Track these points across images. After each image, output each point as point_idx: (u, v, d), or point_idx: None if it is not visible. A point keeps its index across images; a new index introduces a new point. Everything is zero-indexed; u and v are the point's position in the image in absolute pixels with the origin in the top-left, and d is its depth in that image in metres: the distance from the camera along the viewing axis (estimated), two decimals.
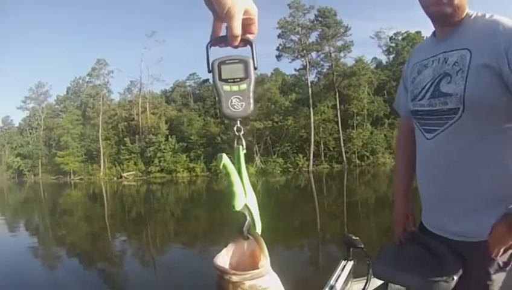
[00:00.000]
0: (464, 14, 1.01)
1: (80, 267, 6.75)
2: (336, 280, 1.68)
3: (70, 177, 34.90)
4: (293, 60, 33.12)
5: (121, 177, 31.28)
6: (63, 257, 7.61)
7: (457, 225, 1.02)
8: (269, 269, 0.41)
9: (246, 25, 0.46)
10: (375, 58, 37.84)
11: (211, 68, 0.46)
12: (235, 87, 0.45)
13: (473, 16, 1.01)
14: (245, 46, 0.47)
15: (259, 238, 0.42)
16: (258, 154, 29.75)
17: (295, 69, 33.84)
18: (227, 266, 0.41)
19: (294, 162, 29.57)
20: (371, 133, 30.86)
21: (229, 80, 0.45)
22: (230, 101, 0.45)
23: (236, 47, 0.46)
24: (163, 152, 29.90)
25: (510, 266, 0.97)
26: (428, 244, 1.10)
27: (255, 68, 0.47)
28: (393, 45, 36.04)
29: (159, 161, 30.03)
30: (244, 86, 0.46)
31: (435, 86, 1.02)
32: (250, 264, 0.41)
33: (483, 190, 0.97)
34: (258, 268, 0.40)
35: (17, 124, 49.04)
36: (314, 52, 33.27)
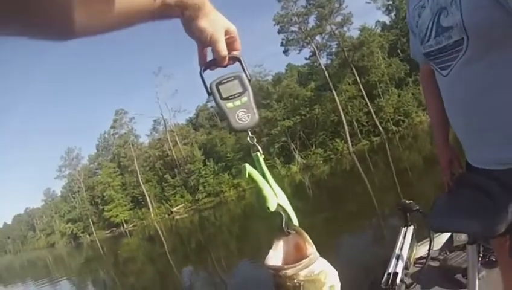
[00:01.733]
0: None
1: None
2: (401, 249, 1.65)
3: (123, 227, 35.79)
4: (300, 50, 32.81)
5: (172, 213, 31.74)
6: None
7: (501, 152, 0.99)
8: (317, 255, 0.43)
9: (229, 44, 0.50)
10: (378, 21, 36.89)
11: (210, 91, 0.49)
12: (237, 102, 0.48)
13: None
14: (234, 62, 0.51)
15: (301, 230, 0.44)
16: (297, 151, 29.47)
17: (306, 58, 33.49)
18: (279, 264, 0.43)
19: (334, 148, 29.09)
20: (399, 96, 30.03)
21: (230, 97, 0.48)
22: (236, 115, 0.48)
23: (226, 66, 0.50)
24: (205, 177, 30.15)
25: None
26: (478, 183, 1.06)
27: (249, 79, 0.50)
28: (390, 2, 35.05)
29: (204, 187, 30.29)
30: (245, 98, 0.49)
31: (436, 23, 1.01)
32: (297, 257, 0.43)
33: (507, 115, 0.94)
34: (306, 258, 0.42)
35: (59, 193, 51.23)
36: (318, 35, 32.85)
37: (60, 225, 48.84)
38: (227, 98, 0.48)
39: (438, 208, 1.18)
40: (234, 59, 0.51)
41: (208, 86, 0.50)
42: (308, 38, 32.08)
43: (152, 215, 34.11)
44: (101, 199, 37.38)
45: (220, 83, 0.49)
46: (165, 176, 33.26)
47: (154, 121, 37.87)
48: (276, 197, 0.45)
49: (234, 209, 23.25)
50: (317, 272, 0.42)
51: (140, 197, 35.21)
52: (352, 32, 32.35)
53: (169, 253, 14.15)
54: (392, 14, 36.56)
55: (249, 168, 0.45)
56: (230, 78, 0.50)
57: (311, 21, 32.52)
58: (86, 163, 44.12)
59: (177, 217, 29.21)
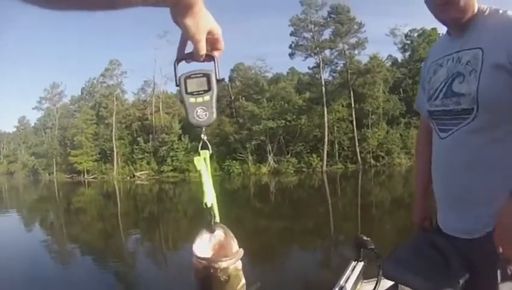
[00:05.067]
0: (475, 11, 0.99)
1: (92, 264, 6.74)
2: (346, 281, 1.66)
3: (84, 176, 35.24)
4: (306, 57, 32.72)
5: (134, 176, 31.39)
6: (76, 253, 7.62)
7: (462, 222, 1.03)
8: (242, 253, 0.47)
9: (211, 43, 0.52)
10: (390, 55, 37.05)
11: (177, 82, 0.52)
12: (199, 99, 0.51)
13: (486, 12, 0.99)
14: (210, 61, 0.53)
15: (227, 229, 0.49)
16: (271, 154, 29.40)
17: (309, 68, 33.42)
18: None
19: (308, 162, 29.11)
20: (387, 132, 30.17)
21: (194, 93, 0.51)
22: (195, 111, 0.51)
23: (202, 62, 0.53)
24: (176, 151, 29.83)
25: None
26: (441, 247, 1.09)
27: (218, 80, 0.52)
28: (408, 42, 35.19)
29: (172, 161, 29.98)
30: (207, 97, 0.51)
31: (447, 86, 1.02)
32: (220, 253, 0.46)
33: (490, 191, 0.96)
34: (232, 254, 0.46)
35: (32, 124, 50.05)
36: (328, 49, 32.78)
37: (25, 156, 47.84)
38: (191, 93, 0.51)
39: (394, 257, 1.19)
40: (210, 57, 0.52)
41: (177, 77, 0.52)
42: (318, 49, 32.01)
43: (114, 173, 33.65)
44: (70, 142, 36.67)
45: (188, 77, 0.52)
46: (138, 139, 32.78)
47: (145, 82, 37.28)
48: (213, 196, 0.49)
49: (195, 191, 23.04)
50: (240, 268, 0.46)
51: (108, 152, 34.64)
52: (362, 57, 32.39)
53: (120, 214, 14.06)
54: (406, 54, 36.79)
55: (199, 163, 0.50)
56: (199, 75, 0.52)
57: (326, 33, 32.52)
58: (67, 102, 43.18)
59: (138, 182, 28.94)
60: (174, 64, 0.52)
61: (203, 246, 0.47)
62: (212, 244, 0.48)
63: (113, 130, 33.93)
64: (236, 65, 33.47)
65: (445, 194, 1.08)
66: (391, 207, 11.46)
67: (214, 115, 0.52)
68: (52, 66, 73.41)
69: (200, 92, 0.51)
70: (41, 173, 42.27)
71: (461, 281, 0.97)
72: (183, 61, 0.53)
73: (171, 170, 29.98)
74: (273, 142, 29.38)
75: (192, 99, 0.51)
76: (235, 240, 0.47)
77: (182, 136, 30.55)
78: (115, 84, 35.96)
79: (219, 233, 0.48)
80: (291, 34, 32.76)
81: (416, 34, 34.21)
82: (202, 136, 0.52)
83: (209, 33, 0.51)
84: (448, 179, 1.05)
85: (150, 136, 32.71)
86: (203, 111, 0.51)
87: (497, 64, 0.90)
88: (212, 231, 0.48)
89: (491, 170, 0.95)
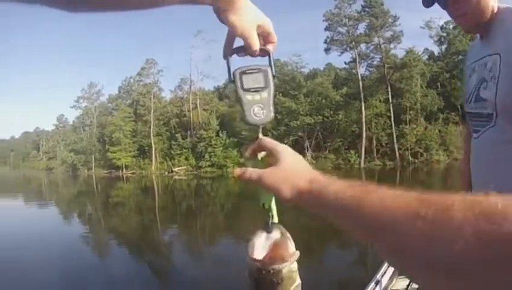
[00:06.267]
0: (494, 11, 1.00)
1: (129, 256, 6.81)
2: (382, 275, 1.71)
3: (122, 171, 36.36)
4: (342, 52, 32.34)
5: (172, 171, 32.11)
6: (113, 245, 7.71)
7: None
8: (298, 254, 0.46)
9: (263, 37, 0.50)
10: (426, 49, 35.98)
11: (232, 78, 0.48)
12: (257, 97, 0.48)
13: (503, 8, 1.00)
14: (264, 56, 0.50)
15: (285, 230, 0.47)
16: (309, 150, 29.29)
17: (345, 62, 33.02)
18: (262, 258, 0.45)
19: (346, 158, 28.82)
20: (425, 128, 29.39)
21: (251, 90, 0.48)
22: (252, 109, 0.48)
23: (255, 56, 0.50)
24: (214, 147, 30.28)
25: None
26: None
27: (274, 76, 0.50)
28: (444, 34, 33.99)
29: (210, 156, 30.44)
30: (265, 94, 0.48)
31: (477, 91, 1.07)
32: (276, 254, 0.45)
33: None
34: (287, 257, 0.44)
35: (71, 122, 52.23)
36: (363, 44, 32.25)
37: (63, 153, 49.97)
38: (247, 90, 0.48)
39: None
40: (264, 52, 0.50)
41: (232, 72, 0.48)
42: (353, 43, 31.55)
43: (153, 168, 34.57)
44: (109, 139, 37.97)
45: (244, 72, 0.48)
46: (176, 135, 33.51)
47: (181, 79, 38.04)
48: (272, 196, 0.47)
49: (232, 187, 23.27)
50: (294, 269, 0.45)
51: (146, 148, 35.63)
52: (398, 51, 31.65)
53: (158, 208, 14.38)
54: (443, 47, 35.57)
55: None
56: (255, 70, 0.49)
57: (361, 28, 32.00)
58: (104, 101, 44.81)
59: (176, 177, 29.57)
60: (226, 59, 0.49)
61: (258, 246, 0.46)
62: (268, 245, 0.46)
63: (151, 126, 34.87)
64: None
65: (478, 188, 1.13)
66: None
67: (272, 114, 0.48)
68: (89, 66, 76.60)
69: (257, 89, 0.48)
70: (80, 168, 43.99)
71: None
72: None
73: (209, 166, 30.46)
74: (310, 138, 29.26)
75: (249, 97, 0.48)
76: (292, 241, 0.46)
77: (220, 132, 30.97)
78: (152, 82, 36.97)
79: (276, 234, 0.46)
80: (326, 29, 32.50)
81: (451, 26, 32.98)
82: (260, 135, 0.49)
83: (259, 27, 0.48)
84: (477, 176, 1.13)
85: (188, 132, 33.36)
86: (260, 109, 0.48)
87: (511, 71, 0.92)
88: (269, 231, 0.47)
89: (508, 170, 0.99)
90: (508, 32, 0.97)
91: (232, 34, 0.49)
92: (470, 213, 0.27)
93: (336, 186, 0.39)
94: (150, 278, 5.42)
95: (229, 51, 0.49)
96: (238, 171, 0.48)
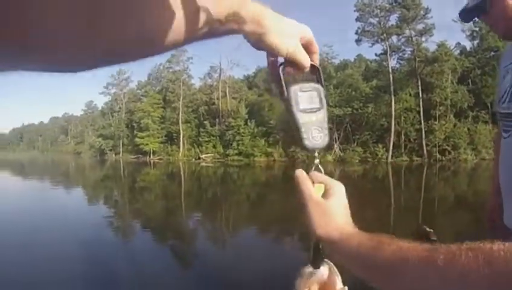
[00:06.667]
0: None
1: (152, 240, 6.78)
2: None
3: (149, 157, 37.06)
4: (373, 44, 31.88)
5: (199, 158, 32.74)
6: (137, 229, 7.73)
7: None
8: None
9: (306, 48, 0.45)
10: (458, 43, 35.03)
11: (287, 96, 0.44)
12: (313, 118, 0.44)
13: None
14: (314, 73, 0.46)
15: (332, 265, 0.47)
16: (337, 142, 29.34)
17: (376, 54, 32.63)
18: None
19: (374, 152, 28.70)
20: (454, 125, 28.80)
21: (307, 110, 0.44)
22: (311, 132, 0.44)
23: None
24: (242, 136, 30.68)
25: None
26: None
27: (326, 95, 0.46)
28: (477, 29, 32.93)
29: (237, 145, 30.87)
30: (321, 115, 0.45)
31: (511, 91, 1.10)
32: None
33: None
34: None
35: (99, 108, 53.78)
36: (395, 36, 31.71)
37: (92, 137, 51.55)
38: (304, 110, 0.44)
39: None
40: (313, 69, 0.46)
41: (287, 89, 0.44)
42: (385, 35, 31.04)
43: (180, 155, 35.33)
44: (137, 124, 38.91)
45: (299, 90, 0.45)
46: (204, 122, 34.10)
47: (211, 67, 38.34)
48: None
49: (259, 176, 23.47)
50: None
51: (174, 135, 36.38)
52: (430, 44, 30.95)
53: (184, 194, 14.51)
54: (475, 42, 34.55)
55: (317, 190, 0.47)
56: (309, 89, 0.45)
57: (392, 19, 31.40)
58: (133, 87, 45.84)
59: (203, 164, 29.99)
60: (279, 74, 0.44)
61: (304, 281, 0.46)
62: (315, 281, 0.46)
63: (180, 113, 35.54)
64: None
65: (504, 188, 1.16)
66: (454, 205, 11.09)
67: (327, 137, 0.46)
68: None
69: (313, 109, 0.45)
70: (107, 153, 45.15)
71: None
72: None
73: (236, 154, 30.89)
74: (339, 130, 29.26)
75: (306, 118, 0.44)
76: (339, 277, 0.46)
77: (248, 121, 31.35)
78: (181, 69, 37.56)
79: (324, 269, 0.46)
80: (357, 20, 32.09)
81: None
82: (316, 161, 0.48)
83: (301, 39, 0.44)
84: (506, 177, 1.13)
85: (217, 120, 33.87)
86: (318, 132, 0.45)
87: None
88: (316, 266, 0.46)
89: None
90: None
91: (275, 55, 0.44)
92: (474, 261, 0.29)
93: (358, 238, 0.41)
94: (172, 262, 5.49)
95: (275, 70, 0.45)
96: (299, 174, 0.47)
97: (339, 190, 0.47)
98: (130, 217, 9.24)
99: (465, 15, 1.16)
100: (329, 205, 0.44)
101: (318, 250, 0.46)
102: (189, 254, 5.96)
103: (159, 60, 42.97)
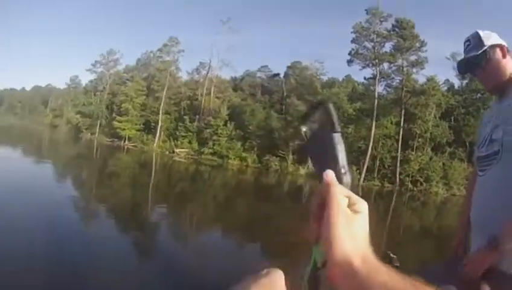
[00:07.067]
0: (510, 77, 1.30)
1: (114, 227, 6.74)
2: None
3: (124, 142, 36.37)
4: (363, 67, 32.11)
5: (173, 152, 32.15)
6: (101, 214, 7.66)
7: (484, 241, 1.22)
8: None
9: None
10: (447, 80, 35.84)
11: (337, 129, 0.46)
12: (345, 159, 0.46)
13: None
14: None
15: None
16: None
17: (365, 78, 32.89)
18: None
19: None
20: (430, 158, 29.28)
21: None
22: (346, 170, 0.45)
23: None
24: (219, 136, 30.24)
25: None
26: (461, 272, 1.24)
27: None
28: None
29: (213, 144, 30.40)
30: (348, 180, 0.45)
31: (490, 136, 1.29)
32: None
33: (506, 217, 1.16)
34: None
35: (83, 84, 52.44)
36: (387, 62, 32.02)
37: (70, 113, 50.19)
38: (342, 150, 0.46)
39: (427, 270, 1.39)
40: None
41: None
42: (377, 60, 31.32)
43: (155, 145, 34.64)
44: (118, 108, 38.08)
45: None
46: (184, 117, 33.52)
47: (201, 63, 37.97)
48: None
49: (230, 179, 23.33)
50: None
51: (152, 124, 35.68)
52: (419, 77, 31.46)
53: (152, 185, 14.34)
54: (464, 82, 35.38)
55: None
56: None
57: (387, 46, 31.77)
58: (120, 70, 44.85)
59: (176, 158, 29.54)
60: (333, 113, 0.47)
61: None
62: None
63: (162, 104, 34.89)
64: (293, 63, 33.43)
65: (476, 221, 1.32)
66: (417, 234, 11.26)
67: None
68: (111, 32, 76.61)
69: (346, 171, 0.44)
70: (83, 131, 44.15)
71: None
72: None
73: (211, 153, 30.40)
74: None
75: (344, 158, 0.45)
76: None
77: (228, 122, 30.97)
78: (171, 60, 36.92)
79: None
80: (352, 41, 32.29)
81: None
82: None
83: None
84: (480, 209, 1.29)
85: (197, 116, 33.32)
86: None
87: None
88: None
89: (510, 202, 1.16)
90: None
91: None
92: None
93: (387, 274, 0.35)
94: (130, 251, 5.44)
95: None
96: (329, 177, 0.42)
97: (364, 208, 0.41)
98: (94, 201, 9.11)
99: (462, 66, 1.40)
100: (356, 222, 0.39)
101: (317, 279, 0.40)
102: (149, 245, 6.00)
103: (150, 48, 42.39)
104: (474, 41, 1.33)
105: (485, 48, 1.29)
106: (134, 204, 9.62)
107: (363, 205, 0.42)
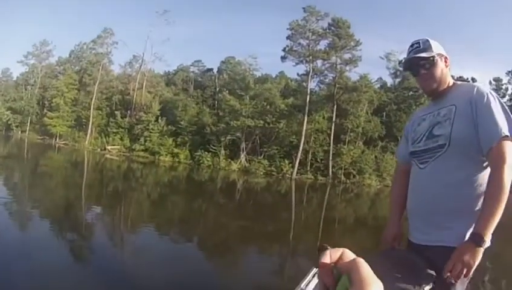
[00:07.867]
0: (450, 84, 1.47)
1: (48, 230, 6.62)
2: (307, 285, 1.74)
3: (55, 140, 34.55)
4: (297, 64, 32.81)
5: (105, 149, 30.94)
6: (34, 217, 7.46)
7: (437, 232, 1.34)
8: None
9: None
10: (380, 78, 37.76)
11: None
12: None
13: (458, 83, 1.48)
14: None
15: None
16: (245, 152, 29.50)
17: (298, 74, 33.65)
18: None
19: (279, 166, 29.32)
20: (362, 152, 30.55)
21: None
22: None
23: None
24: (151, 132, 29.51)
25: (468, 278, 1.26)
26: (408, 256, 1.35)
27: None
28: (401, 69, 35.67)
29: (145, 140, 29.61)
30: None
31: (429, 132, 1.42)
32: None
33: (454, 206, 1.31)
34: None
35: (14, 78, 48.66)
36: (320, 60, 32.94)
37: (1, 109, 46.50)
38: None
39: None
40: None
41: None
42: (311, 57, 32.12)
43: (87, 142, 33.11)
44: (49, 103, 35.90)
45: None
46: (115, 112, 32.27)
47: (134, 56, 36.75)
48: None
49: (162, 176, 22.94)
50: None
51: (84, 121, 34.04)
52: (352, 74, 32.73)
53: (85, 185, 13.83)
54: (397, 80, 37.50)
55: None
56: None
57: (322, 44, 32.67)
58: (53, 62, 42.16)
59: (108, 156, 28.52)
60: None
61: None
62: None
63: (93, 99, 33.35)
64: (227, 58, 33.35)
65: (420, 208, 1.41)
66: (353, 225, 11.64)
67: None
68: (45, 23, 71.10)
69: None
70: (14, 129, 41.26)
71: (426, 287, 1.16)
72: None
73: (143, 150, 29.61)
74: (248, 141, 29.45)
75: None
76: None
77: (160, 118, 30.29)
78: (104, 53, 35.34)
79: None
80: (288, 38, 32.86)
81: None
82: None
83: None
84: (426, 196, 1.38)
85: (128, 112, 32.25)
86: None
87: (465, 114, 1.32)
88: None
89: (455, 189, 1.30)
90: (464, 93, 1.36)
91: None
92: None
93: None
94: (65, 253, 5.26)
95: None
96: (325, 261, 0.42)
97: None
98: (28, 203, 8.66)
99: (407, 64, 1.50)
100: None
101: None
102: (82, 246, 5.90)
103: (84, 39, 40.24)
104: (425, 46, 1.44)
105: (434, 54, 1.42)
106: (67, 205, 9.34)
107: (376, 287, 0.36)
